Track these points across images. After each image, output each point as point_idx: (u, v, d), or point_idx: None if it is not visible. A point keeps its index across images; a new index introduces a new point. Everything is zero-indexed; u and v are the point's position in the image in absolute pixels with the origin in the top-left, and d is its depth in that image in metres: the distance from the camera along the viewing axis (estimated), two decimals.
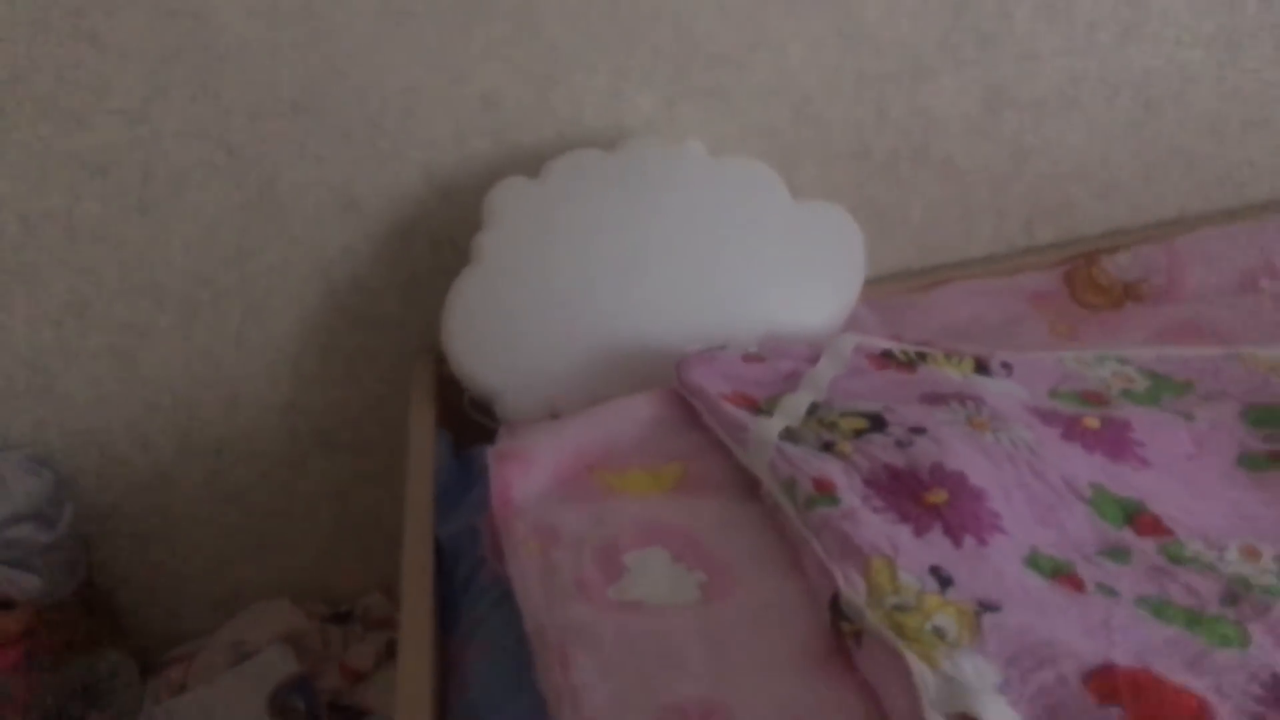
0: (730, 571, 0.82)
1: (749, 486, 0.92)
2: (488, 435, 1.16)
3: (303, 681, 1.33)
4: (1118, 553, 0.81)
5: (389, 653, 1.40)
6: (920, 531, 0.79)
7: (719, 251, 1.17)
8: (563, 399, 1.14)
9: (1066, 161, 1.34)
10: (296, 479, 1.40)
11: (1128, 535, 0.84)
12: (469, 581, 0.98)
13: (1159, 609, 0.74)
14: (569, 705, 0.72)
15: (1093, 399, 1.03)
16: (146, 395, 1.32)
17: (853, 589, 0.73)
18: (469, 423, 1.23)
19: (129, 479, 1.36)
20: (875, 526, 0.78)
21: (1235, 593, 0.76)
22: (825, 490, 0.83)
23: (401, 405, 1.33)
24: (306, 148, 1.21)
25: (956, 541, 0.78)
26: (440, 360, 1.27)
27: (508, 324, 1.16)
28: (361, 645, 1.40)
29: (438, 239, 1.28)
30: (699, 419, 1.01)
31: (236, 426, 1.36)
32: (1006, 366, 1.07)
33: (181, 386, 1.32)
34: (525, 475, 0.96)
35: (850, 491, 0.83)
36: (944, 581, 0.74)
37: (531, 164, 1.21)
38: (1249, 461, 0.95)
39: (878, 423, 0.92)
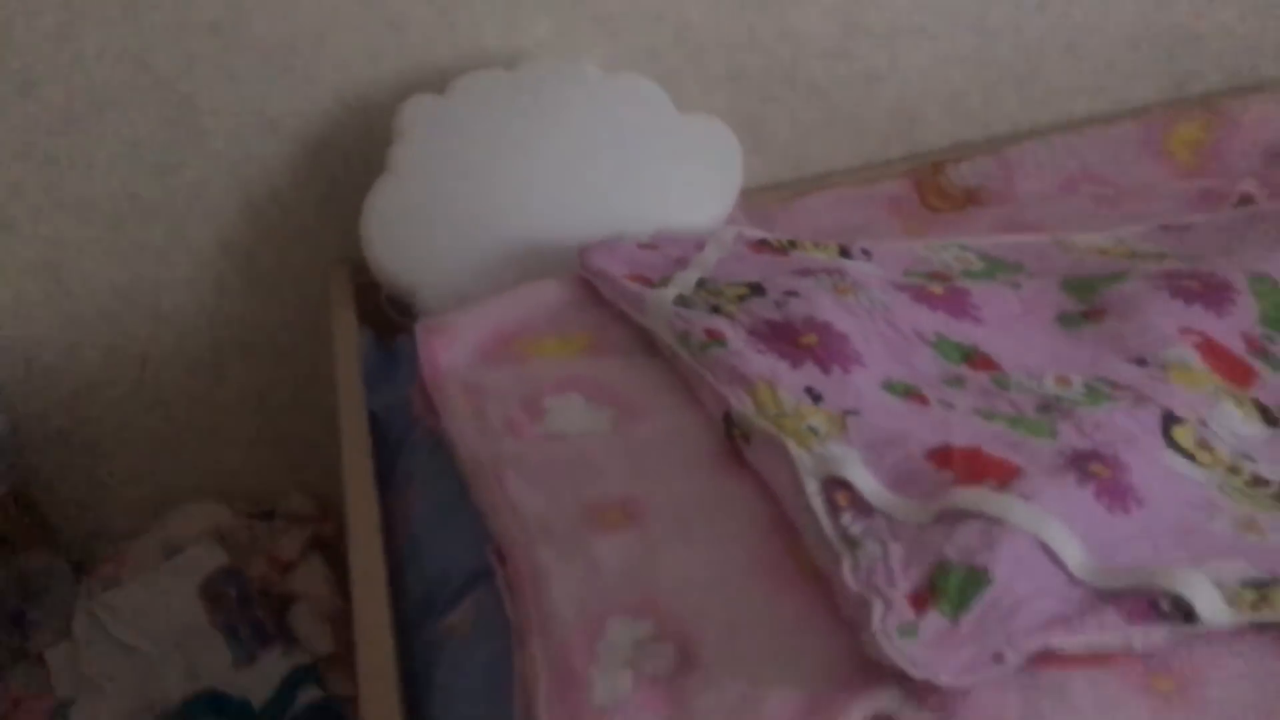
0: (637, 407, 0.96)
1: (650, 346, 1.06)
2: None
3: (232, 571, 1.43)
4: (956, 381, 0.98)
5: (313, 545, 1.50)
6: (795, 365, 0.94)
7: (612, 158, 1.30)
8: (475, 292, 1.26)
9: (916, 83, 1.51)
10: (219, 387, 1.49)
11: (964, 370, 1.00)
12: (401, 443, 1.10)
13: (988, 415, 0.91)
14: (506, 512, 0.85)
15: (938, 277, 1.20)
16: (72, 307, 1.39)
17: (742, 405, 0.88)
18: (386, 331, 1.34)
19: (56, 388, 1.42)
20: (758, 361, 0.93)
21: (1049, 404, 0.93)
22: (715, 337, 0.97)
23: (318, 314, 1.43)
24: (224, 68, 1.30)
25: (825, 371, 0.93)
26: (356, 270, 1.37)
27: (421, 225, 1.27)
28: (287, 538, 1.49)
29: (350, 154, 1.38)
30: (602, 298, 1.15)
31: (160, 337, 1.43)
32: (866, 252, 1.23)
33: (106, 299, 1.39)
34: (450, 347, 1.08)
35: (737, 339, 0.98)
36: (816, 397, 0.89)
37: (438, 82, 1.32)
38: (1065, 320, 1.12)
39: (757, 289, 1.07)
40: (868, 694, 0.64)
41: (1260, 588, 0.68)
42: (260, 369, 1.49)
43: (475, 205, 1.27)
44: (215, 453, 1.53)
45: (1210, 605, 0.66)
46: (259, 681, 1.35)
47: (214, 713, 1.32)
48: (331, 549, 1.52)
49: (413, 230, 1.27)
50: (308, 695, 1.32)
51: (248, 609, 1.41)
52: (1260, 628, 0.67)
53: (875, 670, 0.64)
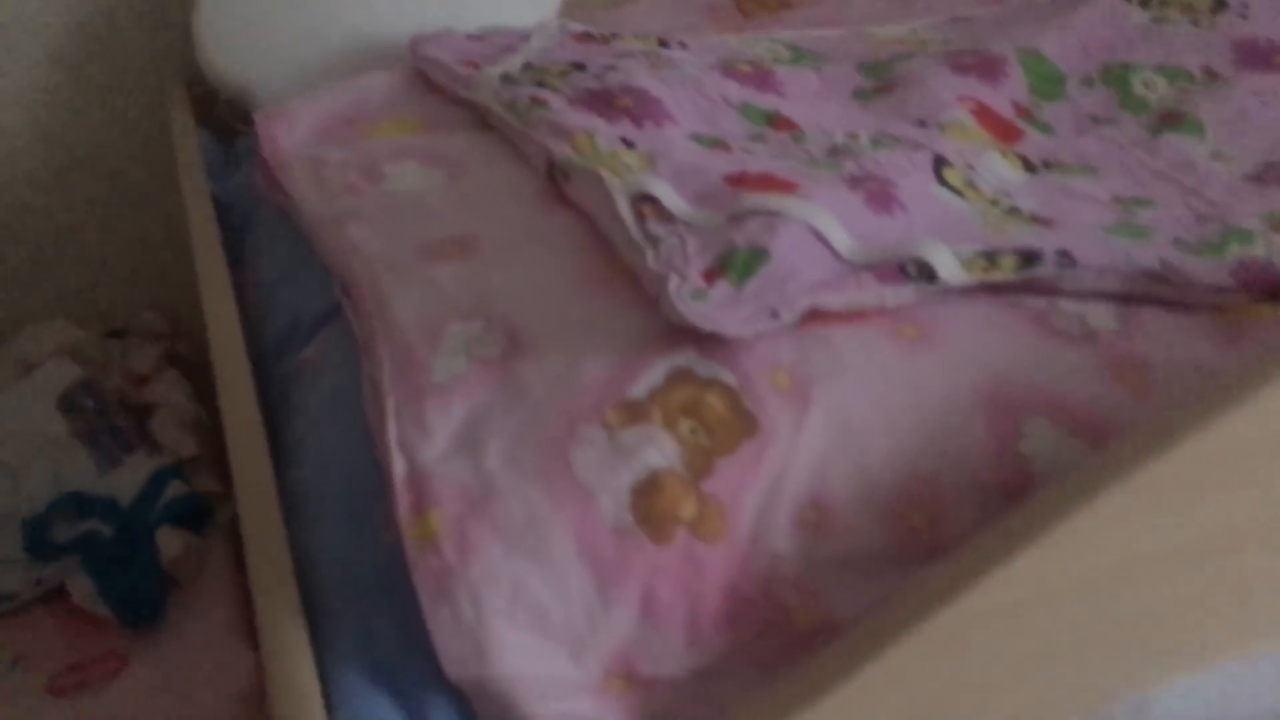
0: (469, 166, 1.04)
1: (480, 124, 1.14)
2: None
3: (89, 385, 1.46)
4: (757, 138, 1.09)
5: (168, 360, 1.54)
6: (612, 122, 1.03)
7: None
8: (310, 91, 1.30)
9: None
10: (60, 206, 1.50)
11: (766, 130, 1.11)
12: (247, 223, 1.15)
13: (783, 159, 1.02)
14: (349, 254, 0.93)
15: (749, 63, 1.30)
16: None
17: (563, 152, 0.97)
18: (226, 138, 1.37)
19: None
20: (578, 118, 1.02)
21: (837, 149, 1.05)
22: (539, 102, 1.06)
23: (157, 129, 1.45)
24: None
25: (639, 126, 1.03)
26: (193, 80, 1.40)
27: (253, 27, 1.31)
28: (141, 354, 1.53)
29: None
30: (434, 87, 1.21)
31: None
32: (683, 44, 1.32)
33: None
34: (289, 129, 1.14)
35: (559, 104, 1.06)
36: (630, 144, 0.99)
37: None
38: (859, 94, 1.24)
39: (579, 67, 1.15)
40: (669, 353, 0.74)
41: (991, 256, 0.81)
42: (101, 186, 1.51)
43: (305, 5, 1.31)
44: (62, 273, 1.55)
45: (948, 267, 0.79)
46: (125, 483, 1.40)
47: (80, 513, 1.38)
48: (187, 363, 1.57)
49: (245, 32, 1.31)
50: (174, 490, 1.38)
51: (107, 418, 1.45)
52: (991, 288, 0.81)
53: (676, 336, 0.75)
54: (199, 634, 1.25)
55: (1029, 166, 1.11)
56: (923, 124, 1.15)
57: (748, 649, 0.69)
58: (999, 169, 1.09)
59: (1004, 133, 1.17)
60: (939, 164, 1.04)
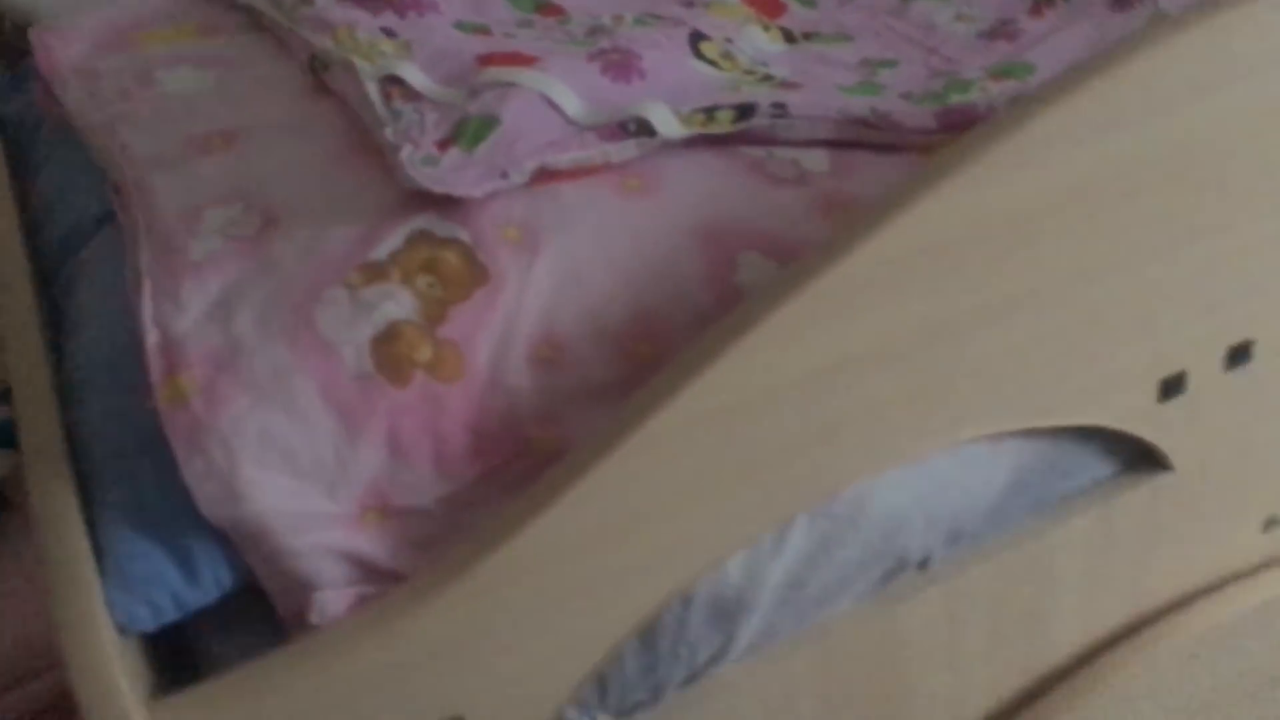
0: (242, 67, 1.07)
1: (257, 26, 1.16)
2: None
3: None
4: (525, 24, 1.13)
5: None
6: (376, 13, 1.07)
7: None
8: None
9: None
10: None
11: (534, 17, 1.16)
12: (32, 139, 1.17)
13: (544, 42, 1.07)
14: (119, 155, 0.95)
15: None
16: None
17: (324, 45, 1.01)
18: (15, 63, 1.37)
19: None
20: (341, 13, 1.06)
21: (597, 30, 1.10)
22: (306, 2, 1.09)
23: None
24: None
25: (402, 15, 1.07)
26: None
27: None
28: None
29: None
30: None
31: None
32: None
33: None
34: (66, 45, 1.15)
35: (325, 0, 1.09)
36: (390, 34, 1.03)
37: None
38: None
39: None
40: (409, 218, 0.80)
41: (710, 111, 0.88)
42: None
43: None
44: None
45: (666, 123, 0.85)
46: None
47: None
48: None
49: None
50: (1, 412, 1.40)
51: None
52: (714, 142, 0.88)
53: (417, 203, 0.80)
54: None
55: (790, 38, 1.18)
56: (690, 4, 1.21)
57: (494, 477, 0.76)
58: (759, 41, 1.16)
59: (768, 8, 1.24)
60: (696, 39, 1.10)
